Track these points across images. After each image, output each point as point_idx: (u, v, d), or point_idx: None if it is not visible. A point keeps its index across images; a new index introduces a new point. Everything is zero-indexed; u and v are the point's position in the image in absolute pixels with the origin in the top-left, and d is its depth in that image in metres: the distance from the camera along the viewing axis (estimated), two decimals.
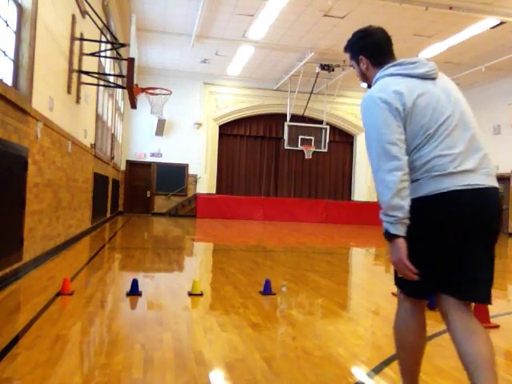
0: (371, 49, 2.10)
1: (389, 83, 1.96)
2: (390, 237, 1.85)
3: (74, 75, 7.50)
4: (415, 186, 1.88)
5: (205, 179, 18.69)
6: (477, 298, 1.96)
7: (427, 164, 1.87)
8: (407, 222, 1.83)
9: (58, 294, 4.12)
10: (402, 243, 1.83)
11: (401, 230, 1.82)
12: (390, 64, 2.03)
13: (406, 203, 1.82)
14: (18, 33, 4.97)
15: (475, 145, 1.91)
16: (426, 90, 1.94)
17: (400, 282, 1.98)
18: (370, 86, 2.12)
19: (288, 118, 17.33)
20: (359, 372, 2.73)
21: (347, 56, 2.23)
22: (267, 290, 4.58)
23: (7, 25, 4.70)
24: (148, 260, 6.84)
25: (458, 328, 1.89)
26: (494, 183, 1.91)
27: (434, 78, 2.00)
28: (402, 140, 1.88)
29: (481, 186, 1.85)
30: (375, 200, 15.85)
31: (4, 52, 4.65)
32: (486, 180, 1.88)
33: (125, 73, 8.81)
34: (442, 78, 2.04)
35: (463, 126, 1.92)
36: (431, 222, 1.87)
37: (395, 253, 1.84)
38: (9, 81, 4.79)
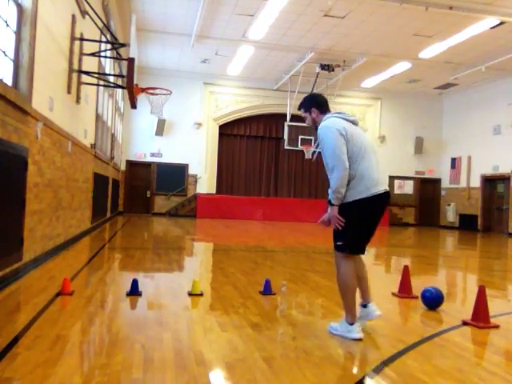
0: (319, 104, 3.61)
1: (336, 120, 3.42)
2: (332, 205, 3.32)
3: (74, 75, 7.50)
4: (352, 192, 3.30)
5: (205, 179, 18.69)
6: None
7: (356, 176, 3.29)
8: (341, 199, 3.29)
9: (58, 294, 4.12)
10: (336, 208, 3.31)
11: (337, 202, 3.30)
12: (334, 112, 3.54)
13: (343, 190, 3.27)
14: (18, 33, 4.97)
15: (376, 166, 3.40)
16: (355, 130, 3.43)
17: (351, 246, 3.36)
18: (316, 127, 3.57)
19: (288, 117, 17.31)
20: (359, 372, 2.73)
21: (302, 111, 3.72)
22: (267, 290, 4.59)
23: (7, 25, 4.70)
24: (148, 260, 6.85)
25: (358, 264, 3.51)
26: (386, 187, 3.40)
27: (357, 124, 3.53)
28: (345, 152, 3.28)
29: (382, 191, 3.35)
30: None
31: (4, 52, 4.65)
32: (382, 187, 3.37)
33: (125, 73, 8.81)
34: (358, 126, 3.55)
35: (372, 155, 3.40)
36: (364, 210, 3.33)
37: (332, 212, 3.33)
38: (9, 81, 4.78)
